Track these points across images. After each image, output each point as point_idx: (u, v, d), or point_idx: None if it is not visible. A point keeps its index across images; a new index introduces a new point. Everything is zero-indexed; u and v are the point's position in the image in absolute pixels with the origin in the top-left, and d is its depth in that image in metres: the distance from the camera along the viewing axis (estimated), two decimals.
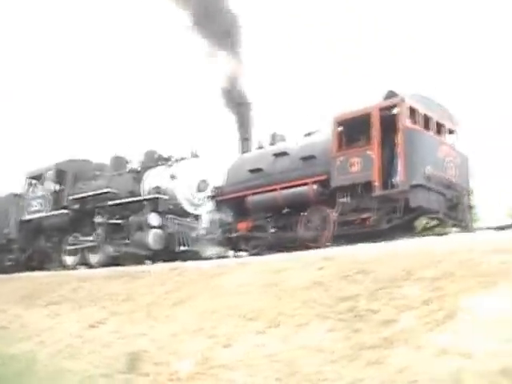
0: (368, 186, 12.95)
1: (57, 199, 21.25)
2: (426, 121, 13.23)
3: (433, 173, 12.43)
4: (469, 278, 7.42)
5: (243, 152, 17.07)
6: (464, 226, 12.87)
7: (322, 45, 57.85)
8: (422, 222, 13.92)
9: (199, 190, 18.72)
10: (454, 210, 12.90)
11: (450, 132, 14.05)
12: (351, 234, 13.25)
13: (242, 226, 15.80)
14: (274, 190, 14.77)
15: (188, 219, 18.41)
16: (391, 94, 13.29)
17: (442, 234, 11.44)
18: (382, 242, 10.73)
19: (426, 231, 13.75)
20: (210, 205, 17.81)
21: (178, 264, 14.12)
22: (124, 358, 9.22)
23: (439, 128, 13.65)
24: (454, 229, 13.02)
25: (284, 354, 7.65)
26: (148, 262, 17.82)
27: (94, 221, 19.56)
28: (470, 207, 13.64)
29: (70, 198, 20.67)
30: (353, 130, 13.50)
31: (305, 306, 8.60)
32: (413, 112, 12.94)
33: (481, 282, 7.18)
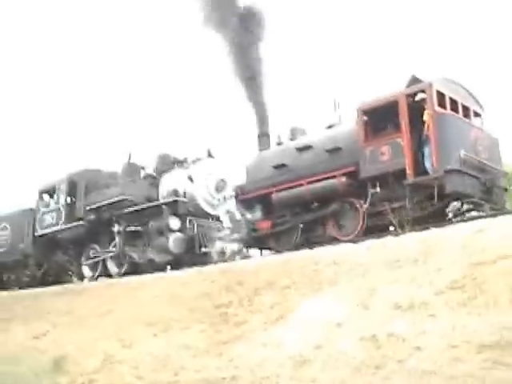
0: (399, 174, 12.74)
1: (70, 211, 20.87)
2: (453, 104, 13.03)
3: (467, 156, 12.22)
4: (307, 285, 9.76)
5: (262, 148, 16.76)
6: (499, 208, 12.67)
7: (314, 65, 57.66)
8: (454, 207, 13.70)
9: (218, 190, 18.48)
10: (488, 193, 12.70)
11: (476, 114, 13.85)
12: (383, 224, 13.09)
13: (268, 223, 15.54)
14: (301, 185, 14.53)
15: (209, 220, 18.13)
16: (415, 80, 13.10)
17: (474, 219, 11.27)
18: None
19: (459, 216, 13.57)
20: (231, 204, 17.58)
21: (111, 280, 16.79)
22: (52, 360, 11.19)
23: (466, 111, 13.46)
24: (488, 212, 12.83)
25: (164, 351, 9.87)
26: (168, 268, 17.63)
27: (112, 230, 19.16)
28: (505, 189, 13.45)
29: (85, 208, 20.30)
30: (379, 118, 13.28)
31: (190, 312, 10.87)
32: (440, 96, 12.73)
33: (313, 289, 9.50)
